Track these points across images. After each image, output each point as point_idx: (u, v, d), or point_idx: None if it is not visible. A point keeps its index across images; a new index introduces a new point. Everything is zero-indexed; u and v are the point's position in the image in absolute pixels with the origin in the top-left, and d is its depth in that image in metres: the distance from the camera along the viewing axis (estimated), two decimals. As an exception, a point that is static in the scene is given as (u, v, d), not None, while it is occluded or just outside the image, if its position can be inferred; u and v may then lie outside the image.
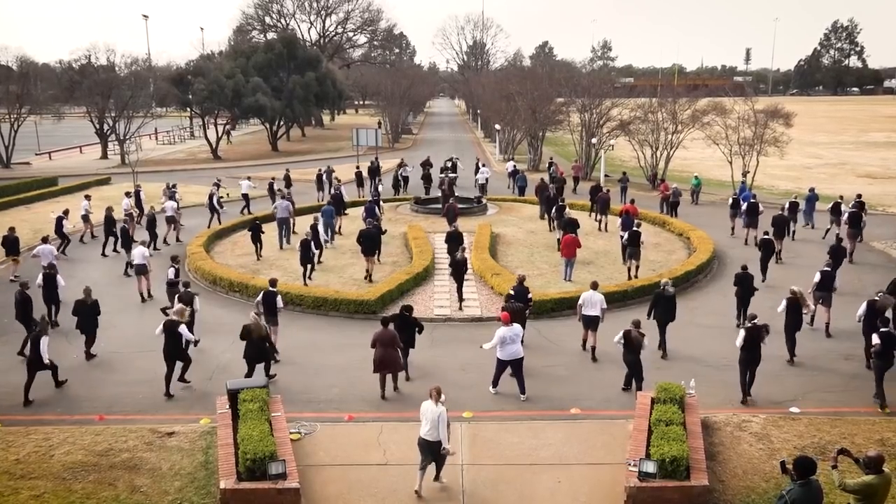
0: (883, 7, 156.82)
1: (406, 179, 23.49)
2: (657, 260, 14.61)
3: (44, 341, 8.53)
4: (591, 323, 9.72)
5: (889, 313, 9.12)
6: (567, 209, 15.37)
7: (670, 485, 6.21)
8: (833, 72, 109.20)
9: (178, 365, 8.85)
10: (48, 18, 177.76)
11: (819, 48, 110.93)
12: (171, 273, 11.07)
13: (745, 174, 21.54)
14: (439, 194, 19.92)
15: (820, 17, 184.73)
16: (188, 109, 39.15)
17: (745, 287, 10.50)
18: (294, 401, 8.24)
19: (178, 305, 9.22)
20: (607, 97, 27.89)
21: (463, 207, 18.76)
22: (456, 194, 19.01)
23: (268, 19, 57.91)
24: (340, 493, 6.62)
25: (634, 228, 13.08)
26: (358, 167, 23.89)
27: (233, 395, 7.49)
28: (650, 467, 6.26)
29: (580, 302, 9.78)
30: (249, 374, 8.59)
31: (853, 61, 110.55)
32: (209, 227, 17.13)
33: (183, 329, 8.76)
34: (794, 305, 9.30)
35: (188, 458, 7.05)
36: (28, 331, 9.71)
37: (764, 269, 12.70)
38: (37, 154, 35.48)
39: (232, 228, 17.41)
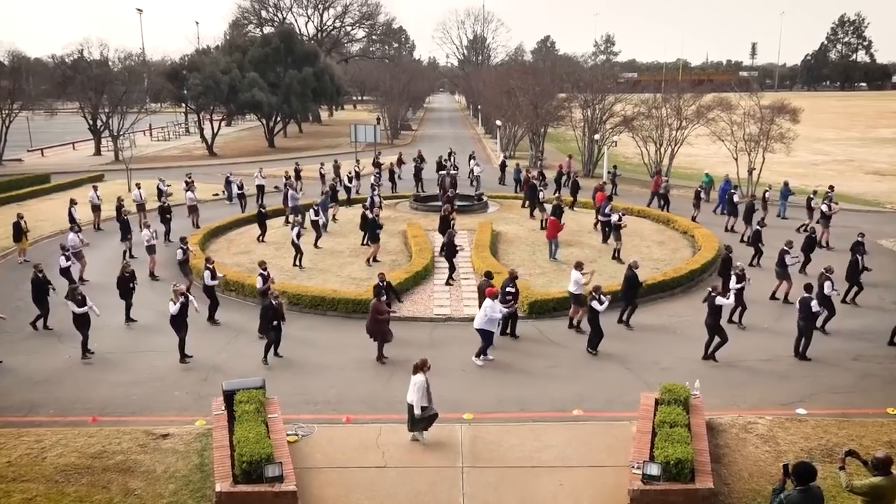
0: (890, 1, 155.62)
1: (417, 172, 23.61)
2: (662, 258, 14.46)
3: (70, 304, 9.57)
4: (572, 298, 10.59)
5: (828, 287, 10.07)
6: (542, 191, 17.28)
7: (675, 488, 6.13)
8: (840, 67, 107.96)
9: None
10: (40, 12, 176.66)
11: (826, 43, 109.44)
12: (179, 254, 12.28)
13: (751, 171, 21.46)
14: (436, 191, 19.91)
15: (826, 12, 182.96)
16: (183, 105, 38.79)
17: (724, 266, 11.77)
18: (291, 402, 8.12)
19: (172, 287, 9.88)
20: (610, 92, 27.59)
21: (463, 205, 18.65)
22: (457, 191, 18.92)
23: (264, 13, 57.52)
24: (338, 496, 6.52)
25: (619, 214, 14.36)
26: (358, 161, 24.23)
27: (228, 397, 7.38)
28: (654, 470, 6.17)
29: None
30: (270, 340, 9.52)
31: (861, 56, 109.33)
32: (243, 211, 18.63)
33: (169, 304, 9.41)
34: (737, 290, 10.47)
35: (183, 461, 6.96)
36: (42, 311, 10.72)
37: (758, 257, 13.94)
38: (29, 150, 35.21)
39: (228, 226, 17.29)
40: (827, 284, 10.03)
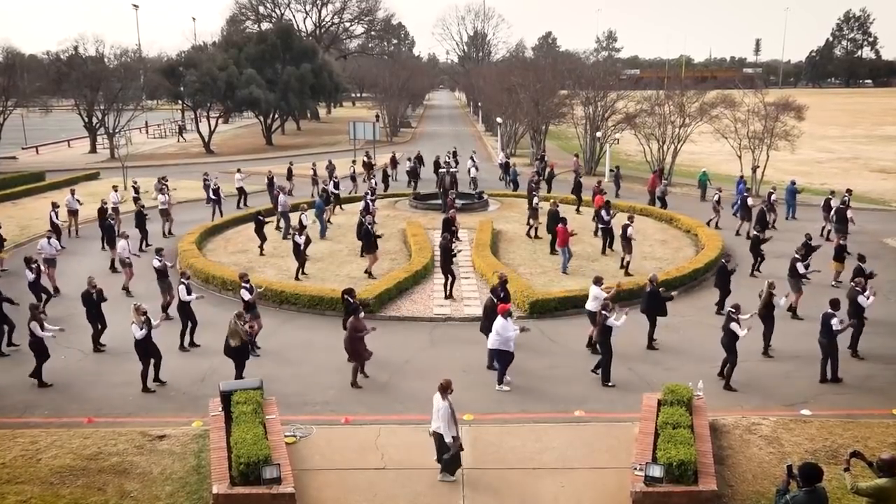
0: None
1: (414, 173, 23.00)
2: (665, 257, 14.33)
3: (33, 326, 8.72)
4: (589, 317, 9.81)
5: (863, 301, 9.39)
6: (535, 196, 16.18)
7: (678, 490, 6.08)
8: (846, 63, 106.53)
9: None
10: (35, 8, 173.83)
11: (831, 39, 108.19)
12: (156, 263, 11.11)
13: (755, 169, 21.22)
14: (436, 190, 19.64)
15: (831, 7, 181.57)
16: (180, 102, 38.45)
17: (720, 275, 11.10)
18: (289, 403, 8.04)
19: (132, 306, 8.85)
20: (612, 89, 27.35)
21: (463, 203, 18.49)
22: (458, 190, 18.72)
23: (262, 9, 57.10)
24: (337, 499, 6.46)
25: (626, 221, 13.24)
26: (355, 161, 23.83)
27: (226, 397, 7.32)
28: (657, 472, 6.13)
29: None
30: (239, 375, 8.52)
31: (866, 52, 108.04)
32: (212, 219, 17.44)
33: (133, 327, 8.50)
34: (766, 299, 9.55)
35: (180, 462, 6.89)
36: (6, 327, 9.94)
37: (759, 263, 13.22)
38: (23, 148, 34.87)
39: (225, 225, 17.12)
40: (860, 299, 9.23)
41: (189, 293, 9.85)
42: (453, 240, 12.70)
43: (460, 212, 17.63)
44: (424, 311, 11.36)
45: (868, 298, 9.43)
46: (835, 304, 8.68)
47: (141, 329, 8.39)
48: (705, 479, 6.16)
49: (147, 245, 15.06)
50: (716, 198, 17.09)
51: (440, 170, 21.71)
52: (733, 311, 8.57)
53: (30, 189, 22.52)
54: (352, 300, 9.42)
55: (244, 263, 13.92)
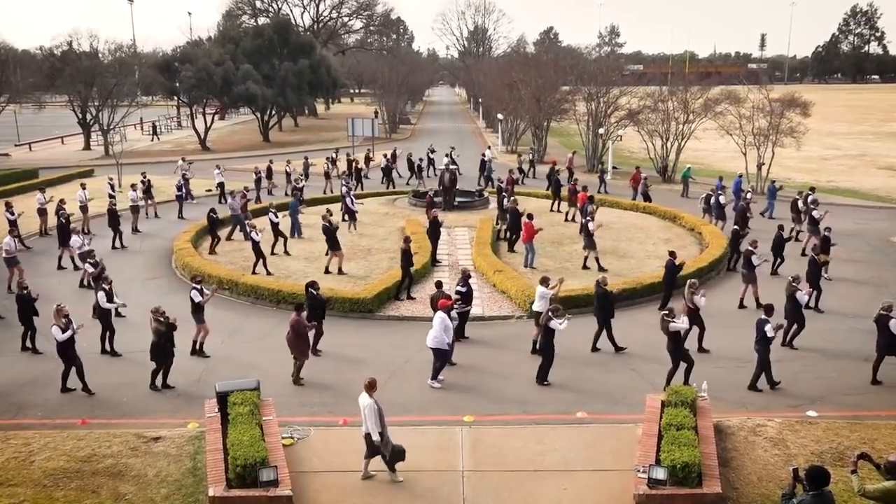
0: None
1: (390, 170, 22.62)
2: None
3: None
4: (535, 318, 9.57)
5: (802, 298, 9.43)
6: (505, 197, 15.91)
7: (681, 492, 6.02)
8: (852, 58, 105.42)
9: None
10: (28, 2, 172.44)
11: (837, 34, 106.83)
12: (88, 268, 10.91)
13: (759, 166, 21.06)
14: (437, 187, 19.52)
15: (838, 2, 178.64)
16: (175, 98, 38.05)
17: (669, 275, 11.09)
18: (286, 404, 7.95)
19: (54, 306, 8.58)
20: (615, 85, 27.15)
21: (463, 201, 18.35)
22: (458, 187, 18.54)
23: (259, 3, 56.62)
24: (335, 501, 6.40)
25: (588, 218, 13.20)
26: (334, 158, 23.21)
27: (222, 398, 7.22)
28: (660, 474, 6.06)
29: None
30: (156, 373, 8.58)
31: (873, 47, 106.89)
32: (178, 217, 17.52)
33: (53, 329, 8.29)
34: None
35: (175, 465, 6.81)
36: None
37: (735, 259, 13.29)
38: (16, 145, 34.63)
39: (221, 223, 16.94)
40: (799, 295, 9.31)
41: (110, 300, 9.54)
42: (409, 244, 12.13)
43: (460, 210, 17.52)
44: (424, 311, 11.22)
45: (807, 296, 9.59)
46: (769, 309, 8.45)
47: (63, 332, 8.18)
48: (710, 482, 6.10)
49: (121, 244, 14.94)
50: (711, 200, 16.70)
51: (441, 167, 21.43)
52: (668, 314, 8.27)
53: (23, 186, 22.31)
54: (315, 293, 9.33)
55: (240, 262, 13.81)
